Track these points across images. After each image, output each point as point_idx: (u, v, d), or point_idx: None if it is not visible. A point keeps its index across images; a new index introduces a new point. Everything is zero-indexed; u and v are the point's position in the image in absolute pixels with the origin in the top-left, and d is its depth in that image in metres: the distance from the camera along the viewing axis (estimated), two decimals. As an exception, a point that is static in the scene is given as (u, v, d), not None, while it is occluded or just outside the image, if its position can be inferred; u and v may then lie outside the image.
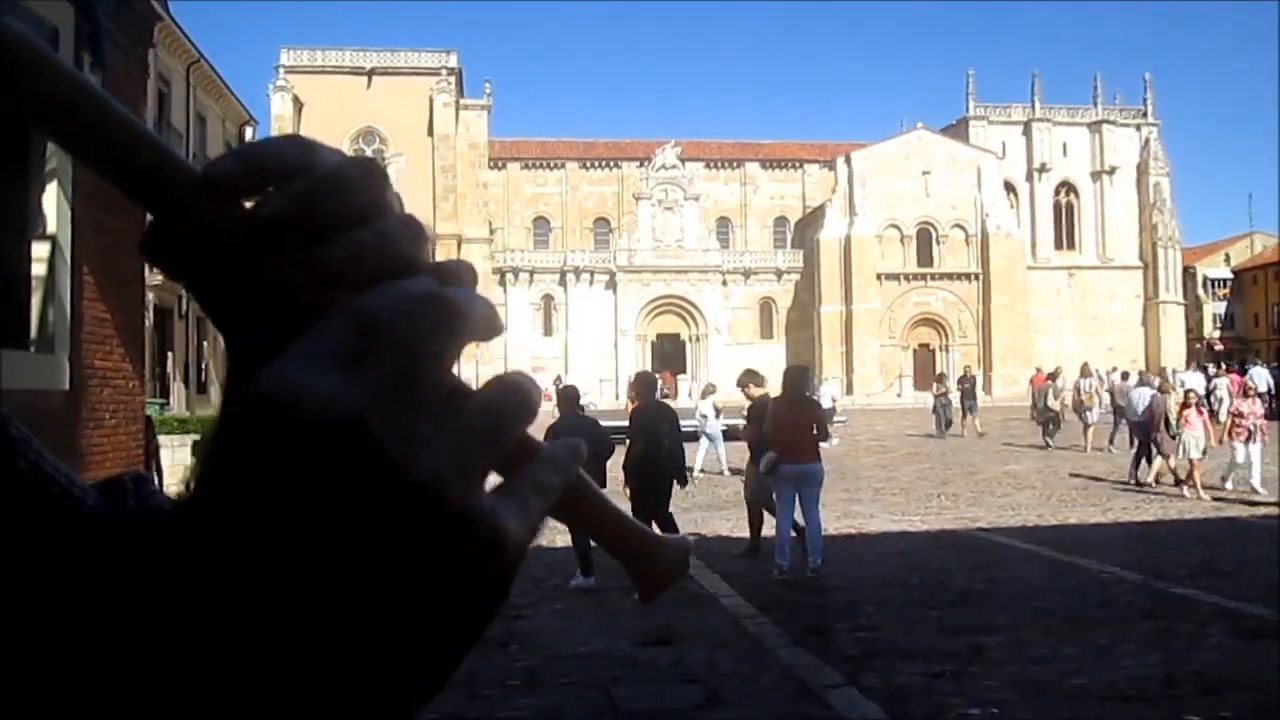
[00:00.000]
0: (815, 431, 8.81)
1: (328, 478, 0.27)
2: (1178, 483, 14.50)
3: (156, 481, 0.33)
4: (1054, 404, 22.53)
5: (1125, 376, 26.01)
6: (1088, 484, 15.85)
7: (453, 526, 0.27)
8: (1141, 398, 16.35)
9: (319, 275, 0.31)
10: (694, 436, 19.19)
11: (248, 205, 0.32)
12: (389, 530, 0.27)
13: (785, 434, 8.72)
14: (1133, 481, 15.47)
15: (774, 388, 9.95)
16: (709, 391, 20.59)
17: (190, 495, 0.28)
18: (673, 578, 0.38)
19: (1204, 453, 14.19)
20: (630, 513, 0.38)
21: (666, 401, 11.14)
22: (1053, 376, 24.45)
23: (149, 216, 0.32)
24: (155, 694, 0.27)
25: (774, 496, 8.95)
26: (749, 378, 10.10)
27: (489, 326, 0.31)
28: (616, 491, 8.56)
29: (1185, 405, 14.81)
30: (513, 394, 0.30)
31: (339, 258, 0.31)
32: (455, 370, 0.31)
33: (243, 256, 0.31)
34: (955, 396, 27.26)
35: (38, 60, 0.30)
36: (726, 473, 17.31)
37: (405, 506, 0.27)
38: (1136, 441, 16.20)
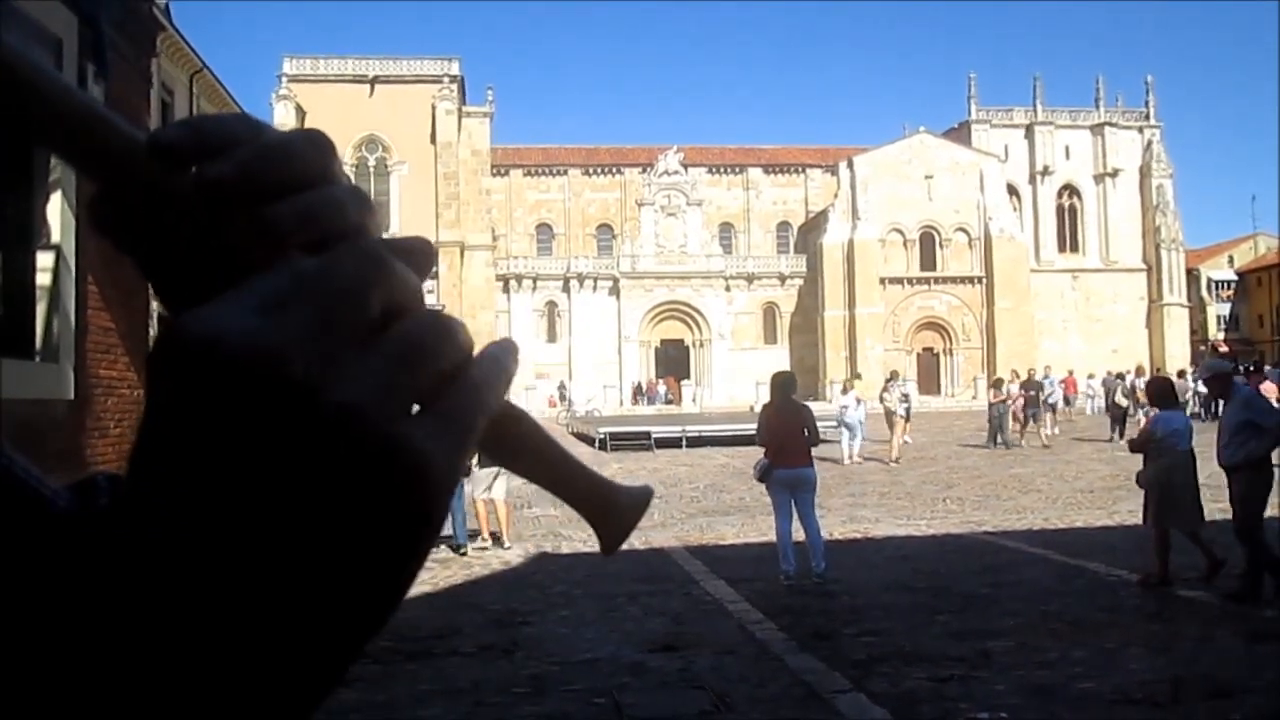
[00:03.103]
0: (806, 435, 8.79)
1: (249, 413, 0.27)
2: None
3: None
4: (1122, 401, 24.03)
5: (1181, 375, 29.03)
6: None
7: (375, 453, 0.28)
8: None
9: (265, 233, 0.31)
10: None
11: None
12: (313, 462, 0.27)
13: (775, 439, 8.72)
14: None
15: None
16: (849, 387, 22.70)
17: (130, 454, 0.29)
18: (631, 526, 0.37)
19: None
20: None
21: None
22: (1120, 377, 26.26)
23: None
24: (120, 688, 0.27)
25: (771, 502, 8.94)
26: None
27: (408, 285, 0.31)
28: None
29: None
30: (434, 326, 0.31)
31: (285, 216, 0.31)
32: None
33: (189, 221, 0.32)
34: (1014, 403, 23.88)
35: None
36: (857, 459, 20.33)
37: (326, 437, 0.27)
38: None
